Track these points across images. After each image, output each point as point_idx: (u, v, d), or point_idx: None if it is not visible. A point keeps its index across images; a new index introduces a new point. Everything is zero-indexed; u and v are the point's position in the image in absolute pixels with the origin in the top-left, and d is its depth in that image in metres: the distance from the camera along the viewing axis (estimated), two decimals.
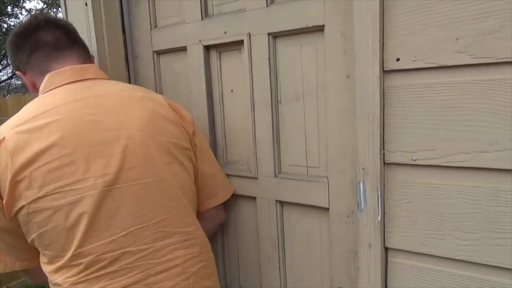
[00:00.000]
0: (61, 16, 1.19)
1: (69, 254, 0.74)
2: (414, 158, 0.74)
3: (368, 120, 0.75)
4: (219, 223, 1.09)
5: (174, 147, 0.85)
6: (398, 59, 0.73)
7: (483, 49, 0.65)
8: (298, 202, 0.95)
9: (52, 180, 0.73)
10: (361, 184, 0.79)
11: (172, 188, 0.83)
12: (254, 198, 1.03)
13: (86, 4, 1.11)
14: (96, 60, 1.09)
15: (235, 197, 1.09)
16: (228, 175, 1.07)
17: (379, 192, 0.77)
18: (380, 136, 0.75)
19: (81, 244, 0.74)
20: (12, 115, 0.81)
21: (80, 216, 0.74)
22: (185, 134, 0.89)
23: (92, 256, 0.74)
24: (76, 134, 0.76)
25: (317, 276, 0.97)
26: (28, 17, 0.94)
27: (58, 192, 0.73)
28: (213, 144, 1.10)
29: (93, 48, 1.14)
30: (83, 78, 0.86)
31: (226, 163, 1.10)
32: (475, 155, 0.69)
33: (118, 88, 0.86)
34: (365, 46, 0.74)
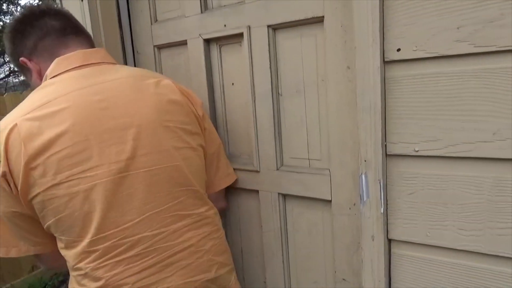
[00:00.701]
0: None
1: (86, 240, 0.76)
2: (416, 149, 0.74)
3: (369, 112, 0.75)
4: (220, 209, 1.09)
5: (184, 132, 0.85)
6: (398, 49, 0.72)
7: (484, 38, 0.64)
8: (300, 194, 0.95)
9: (66, 167, 0.73)
10: (363, 176, 0.78)
11: (183, 173, 0.84)
12: (256, 191, 1.04)
13: (82, 0, 1.11)
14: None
15: (237, 190, 1.09)
16: None
17: (381, 183, 0.77)
18: (381, 127, 0.75)
19: (98, 231, 0.75)
20: None
21: (95, 202, 0.75)
22: (194, 119, 0.89)
23: (110, 242, 0.76)
24: (87, 121, 0.76)
25: (320, 268, 0.98)
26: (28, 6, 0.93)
27: (72, 180, 0.74)
28: None
29: None
30: (90, 63, 0.85)
31: (229, 156, 1.10)
32: (477, 145, 0.68)
33: (126, 73, 0.85)
34: (365, 36, 0.73)
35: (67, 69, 0.83)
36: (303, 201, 0.97)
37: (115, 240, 0.76)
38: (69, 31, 0.89)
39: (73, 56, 0.85)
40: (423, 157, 0.74)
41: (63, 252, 0.80)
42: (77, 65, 0.84)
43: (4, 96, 3.41)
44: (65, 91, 0.78)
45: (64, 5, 1.16)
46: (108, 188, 0.75)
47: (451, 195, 0.72)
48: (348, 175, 0.86)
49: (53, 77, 0.83)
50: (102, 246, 0.76)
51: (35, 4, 0.90)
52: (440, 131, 0.71)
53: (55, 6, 0.95)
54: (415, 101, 0.72)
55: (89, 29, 1.12)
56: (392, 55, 0.73)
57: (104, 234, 0.76)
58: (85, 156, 0.74)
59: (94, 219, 0.75)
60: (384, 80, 0.74)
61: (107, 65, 0.87)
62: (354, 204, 0.86)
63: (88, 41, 0.93)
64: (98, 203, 0.75)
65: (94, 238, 0.76)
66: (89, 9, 1.11)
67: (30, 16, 0.87)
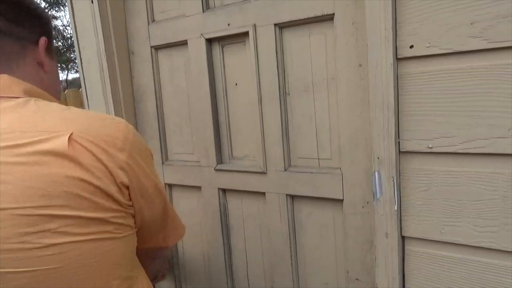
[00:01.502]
0: (67, 15, 1.15)
1: None
2: (430, 146, 0.74)
3: (382, 109, 0.74)
4: (164, 257, 0.99)
5: (73, 222, 0.58)
6: (411, 46, 0.72)
7: (499, 33, 0.65)
8: (310, 195, 0.94)
9: None
10: (376, 173, 0.78)
11: (60, 279, 0.58)
12: (263, 193, 1.02)
13: (92, 2, 1.08)
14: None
15: (242, 193, 1.07)
16: (234, 171, 1.05)
17: (395, 181, 0.76)
18: (395, 124, 0.74)
19: None
20: None
21: None
22: (100, 188, 0.60)
23: None
24: None
25: (332, 269, 0.96)
26: None
27: None
28: (217, 140, 1.08)
29: (100, 46, 1.11)
30: None
31: (232, 159, 1.08)
32: (492, 141, 0.68)
33: (9, 120, 0.58)
34: (377, 34, 0.73)
35: None
36: (312, 202, 0.95)
37: None
38: None
39: None
40: (437, 154, 0.74)
41: None
42: None
43: (65, 92, 3.37)
44: None
45: (74, 7, 1.14)
46: None
47: (465, 192, 0.72)
48: (360, 173, 0.85)
49: None
50: None
51: None
52: (454, 128, 0.71)
53: None
54: (429, 98, 0.72)
55: (99, 31, 1.10)
56: (405, 52, 0.73)
57: None
58: None
59: None
60: (397, 77, 0.74)
61: None
62: (368, 203, 0.85)
63: (9, 49, 0.64)
64: None
65: None
66: (99, 11, 1.09)
67: None
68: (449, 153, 0.73)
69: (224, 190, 1.11)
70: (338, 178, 0.88)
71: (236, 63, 1.02)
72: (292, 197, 0.98)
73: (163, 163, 1.21)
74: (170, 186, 1.23)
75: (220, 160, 1.10)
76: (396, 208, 0.77)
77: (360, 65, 0.81)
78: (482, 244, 0.72)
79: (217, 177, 1.09)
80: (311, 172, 0.92)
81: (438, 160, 0.74)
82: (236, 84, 1.03)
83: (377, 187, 0.78)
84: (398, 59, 0.74)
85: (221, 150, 1.10)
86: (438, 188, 0.74)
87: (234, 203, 1.10)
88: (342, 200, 0.89)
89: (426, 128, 0.73)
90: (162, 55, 1.16)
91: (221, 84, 1.06)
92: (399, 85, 0.74)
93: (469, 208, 0.72)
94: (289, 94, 0.94)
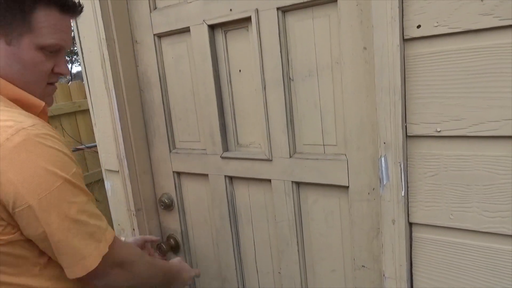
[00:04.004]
0: None
1: None
2: (438, 130, 0.72)
3: (388, 92, 0.72)
4: None
5: None
6: (419, 26, 0.69)
7: (510, 10, 0.62)
8: (315, 182, 0.92)
9: None
10: (382, 159, 0.76)
11: None
12: (269, 180, 1.01)
13: None
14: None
15: (248, 180, 1.06)
16: (240, 159, 1.04)
17: (402, 166, 0.75)
18: (401, 108, 0.72)
19: None
20: None
21: None
22: None
23: None
24: None
25: (338, 256, 0.95)
26: None
27: None
28: (222, 128, 1.07)
29: (101, 35, 1.10)
30: None
31: (237, 146, 1.08)
32: (504, 123, 0.66)
33: None
34: (383, 14, 0.70)
35: None
36: (318, 189, 0.94)
37: None
38: None
39: None
40: (445, 138, 0.72)
41: None
42: None
43: (69, 84, 3.45)
44: None
45: None
46: None
47: (475, 176, 0.70)
48: (366, 159, 0.83)
49: None
50: None
51: None
52: (463, 110, 0.69)
53: None
54: (437, 80, 0.70)
55: (99, 19, 1.09)
56: (412, 32, 0.70)
57: None
58: None
59: None
60: (403, 59, 0.71)
61: None
62: (374, 189, 0.84)
63: None
64: None
65: None
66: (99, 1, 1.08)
67: None
68: (458, 136, 0.70)
69: (230, 178, 1.10)
70: (344, 165, 0.87)
71: (240, 49, 1.00)
72: (298, 184, 0.97)
73: (170, 151, 1.21)
74: (178, 174, 1.23)
75: (226, 147, 1.09)
76: (403, 194, 0.76)
77: (365, 48, 0.78)
78: (492, 230, 0.70)
79: (223, 164, 1.09)
80: (316, 159, 0.91)
81: (447, 144, 0.72)
82: (240, 70, 1.02)
83: (384, 172, 0.77)
84: (405, 40, 0.71)
85: (226, 137, 1.09)
86: (446, 173, 0.72)
87: (241, 191, 1.10)
88: (347, 187, 0.88)
89: (434, 111, 0.71)
90: (166, 43, 1.15)
91: (225, 71, 1.04)
92: (405, 67, 0.72)
93: (479, 193, 0.70)
94: (293, 80, 0.92)
